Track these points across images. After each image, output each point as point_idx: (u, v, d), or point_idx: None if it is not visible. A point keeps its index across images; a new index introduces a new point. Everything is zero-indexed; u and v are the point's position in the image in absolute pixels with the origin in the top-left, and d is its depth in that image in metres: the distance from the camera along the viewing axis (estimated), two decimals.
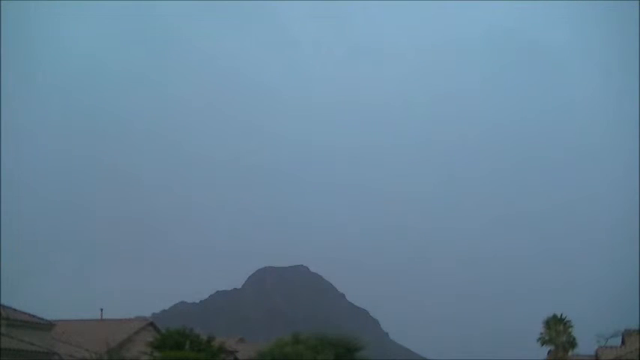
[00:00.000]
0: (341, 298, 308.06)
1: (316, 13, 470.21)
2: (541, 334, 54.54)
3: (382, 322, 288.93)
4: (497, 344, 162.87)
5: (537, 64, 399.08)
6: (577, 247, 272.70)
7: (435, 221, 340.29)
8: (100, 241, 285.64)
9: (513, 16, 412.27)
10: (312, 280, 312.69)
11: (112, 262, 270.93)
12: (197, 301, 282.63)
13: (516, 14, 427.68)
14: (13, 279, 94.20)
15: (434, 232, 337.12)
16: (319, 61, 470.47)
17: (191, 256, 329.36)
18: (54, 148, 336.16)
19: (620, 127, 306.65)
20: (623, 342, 52.87)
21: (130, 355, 43.04)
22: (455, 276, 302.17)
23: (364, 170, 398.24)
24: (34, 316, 39.99)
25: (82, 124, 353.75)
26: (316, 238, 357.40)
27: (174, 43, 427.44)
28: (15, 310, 38.73)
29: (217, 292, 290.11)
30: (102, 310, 54.52)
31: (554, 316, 54.42)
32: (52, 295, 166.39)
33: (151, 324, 54.32)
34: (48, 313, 42.15)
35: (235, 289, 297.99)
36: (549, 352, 55.36)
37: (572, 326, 54.33)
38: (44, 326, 40.36)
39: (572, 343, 54.19)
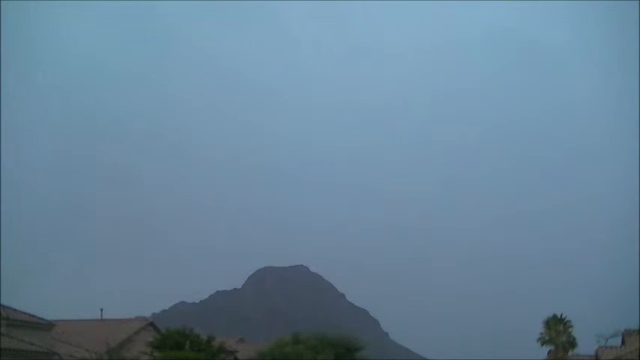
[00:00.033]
0: (341, 298, 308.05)
1: (316, 13, 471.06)
2: (541, 334, 54.53)
3: (382, 322, 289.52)
4: (497, 344, 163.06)
5: (537, 64, 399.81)
6: (577, 247, 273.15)
7: (435, 221, 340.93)
8: (100, 241, 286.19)
9: (513, 16, 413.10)
10: (312, 280, 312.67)
11: (112, 262, 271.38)
12: (197, 301, 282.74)
13: (516, 14, 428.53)
14: (13, 279, 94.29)
15: (434, 232, 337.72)
16: (319, 61, 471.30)
17: (191, 256, 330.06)
18: (54, 148, 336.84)
19: (620, 127, 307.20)
20: (623, 342, 52.86)
21: (130, 355, 43.03)
22: (455, 276, 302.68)
23: (364, 170, 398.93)
24: (34, 316, 39.98)
25: (82, 124, 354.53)
26: (316, 238, 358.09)
27: (174, 43, 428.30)
28: (15, 310, 38.73)
29: (217, 292, 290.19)
30: (102, 310, 54.64)
31: (554, 316, 54.42)
32: (52, 295, 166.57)
33: (151, 324, 54.32)
34: (48, 313, 42.26)
35: (235, 289, 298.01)
36: (549, 352, 55.35)
37: (572, 326, 54.34)
38: (44, 326, 40.35)
39: (572, 343, 54.18)
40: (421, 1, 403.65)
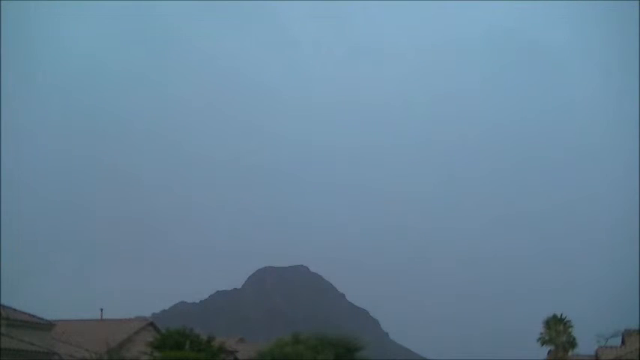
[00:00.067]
0: (341, 298, 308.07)
1: (316, 13, 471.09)
2: (541, 334, 54.53)
3: (382, 322, 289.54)
4: (497, 344, 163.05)
5: (537, 64, 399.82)
6: (577, 247, 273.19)
7: (435, 221, 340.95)
8: (100, 241, 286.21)
9: (513, 16, 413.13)
10: (312, 280, 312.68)
11: (112, 262, 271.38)
12: (197, 301, 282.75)
13: (516, 14, 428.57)
14: (13, 279, 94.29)
15: (434, 232, 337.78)
16: (319, 61, 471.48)
17: (191, 256, 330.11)
18: (54, 148, 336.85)
19: (620, 127, 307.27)
20: (623, 342, 52.86)
21: (130, 355, 43.03)
22: (455, 276, 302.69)
23: (364, 170, 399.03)
24: (34, 316, 39.98)
25: (82, 124, 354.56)
26: (316, 238, 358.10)
27: (174, 43, 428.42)
28: (15, 310, 38.73)
29: (217, 292, 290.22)
30: (102, 310, 54.64)
31: (554, 316, 54.41)
32: (52, 295, 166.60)
33: (151, 324, 54.32)
34: (48, 313, 42.26)
35: (235, 289, 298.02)
36: (549, 352, 55.34)
37: (572, 326, 54.33)
38: (44, 326, 40.35)
39: (572, 343, 54.17)
40: (421, 1, 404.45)
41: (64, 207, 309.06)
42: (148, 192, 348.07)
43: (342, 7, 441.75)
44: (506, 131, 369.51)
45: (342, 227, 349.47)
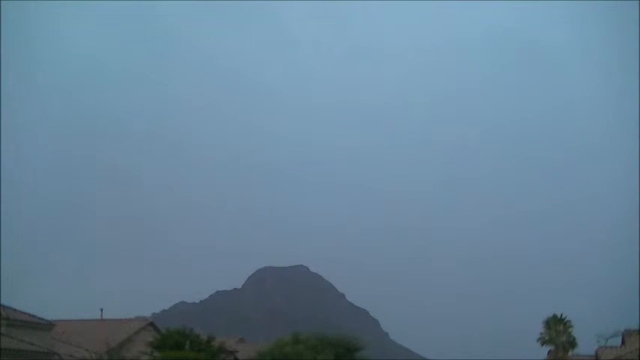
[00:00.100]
0: (341, 298, 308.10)
1: (316, 13, 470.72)
2: (541, 334, 54.51)
3: (382, 322, 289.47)
4: (497, 344, 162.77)
5: (537, 64, 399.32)
6: (577, 247, 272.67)
7: (435, 221, 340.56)
8: (100, 241, 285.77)
9: (513, 16, 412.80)
10: (312, 280, 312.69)
11: (112, 262, 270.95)
12: (197, 301, 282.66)
13: (516, 14, 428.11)
14: (13, 279, 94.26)
15: (434, 232, 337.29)
16: (319, 61, 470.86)
17: (191, 256, 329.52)
18: (54, 148, 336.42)
19: (620, 127, 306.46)
20: (623, 342, 52.87)
21: (130, 355, 43.04)
22: (455, 276, 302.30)
23: (364, 170, 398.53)
24: (34, 316, 40.00)
25: (82, 124, 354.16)
26: (316, 238, 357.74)
27: (174, 43, 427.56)
28: (15, 310, 38.74)
29: (217, 292, 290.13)
30: (102, 310, 54.65)
31: (554, 316, 54.38)
32: (52, 295, 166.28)
33: (151, 324, 54.34)
34: (48, 313, 42.28)
35: (235, 289, 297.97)
36: (549, 352, 55.32)
37: (572, 326, 54.30)
38: (44, 326, 40.36)
39: (572, 343, 54.16)
40: (421, 1, 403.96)
41: (64, 207, 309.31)
42: (148, 192, 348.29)
43: (342, 7, 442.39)
44: (506, 131, 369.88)
45: (342, 227, 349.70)
